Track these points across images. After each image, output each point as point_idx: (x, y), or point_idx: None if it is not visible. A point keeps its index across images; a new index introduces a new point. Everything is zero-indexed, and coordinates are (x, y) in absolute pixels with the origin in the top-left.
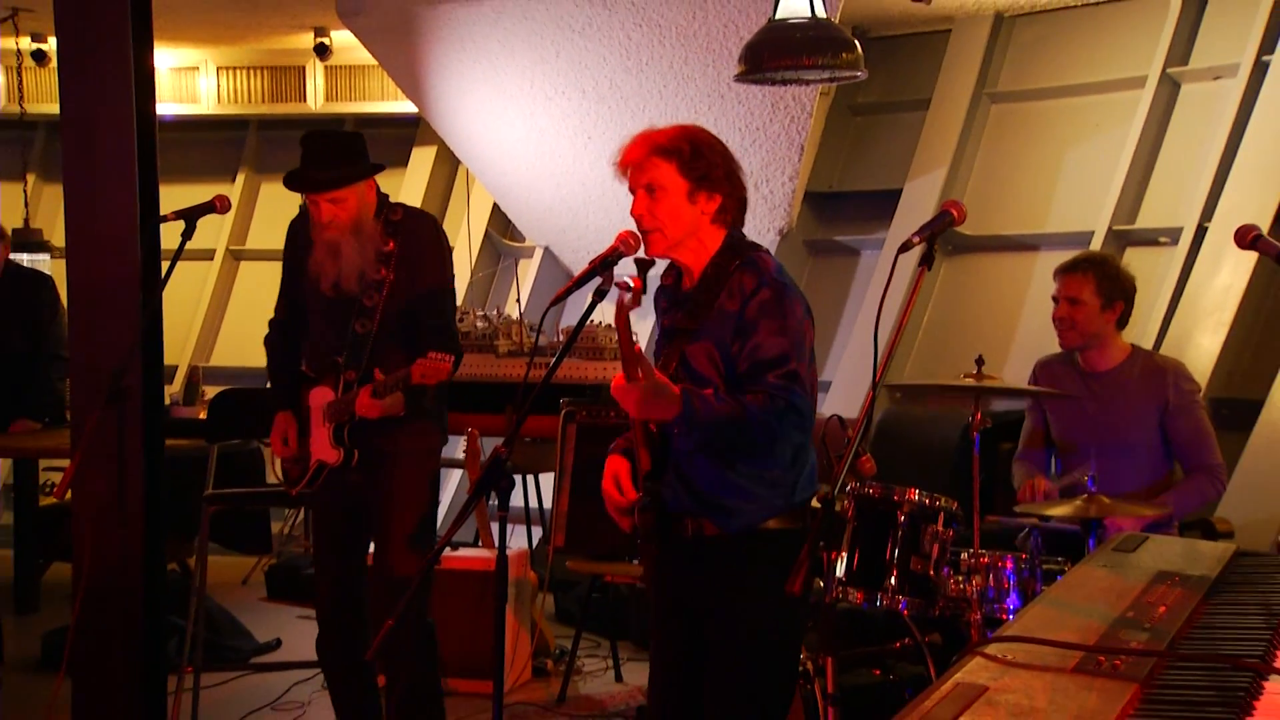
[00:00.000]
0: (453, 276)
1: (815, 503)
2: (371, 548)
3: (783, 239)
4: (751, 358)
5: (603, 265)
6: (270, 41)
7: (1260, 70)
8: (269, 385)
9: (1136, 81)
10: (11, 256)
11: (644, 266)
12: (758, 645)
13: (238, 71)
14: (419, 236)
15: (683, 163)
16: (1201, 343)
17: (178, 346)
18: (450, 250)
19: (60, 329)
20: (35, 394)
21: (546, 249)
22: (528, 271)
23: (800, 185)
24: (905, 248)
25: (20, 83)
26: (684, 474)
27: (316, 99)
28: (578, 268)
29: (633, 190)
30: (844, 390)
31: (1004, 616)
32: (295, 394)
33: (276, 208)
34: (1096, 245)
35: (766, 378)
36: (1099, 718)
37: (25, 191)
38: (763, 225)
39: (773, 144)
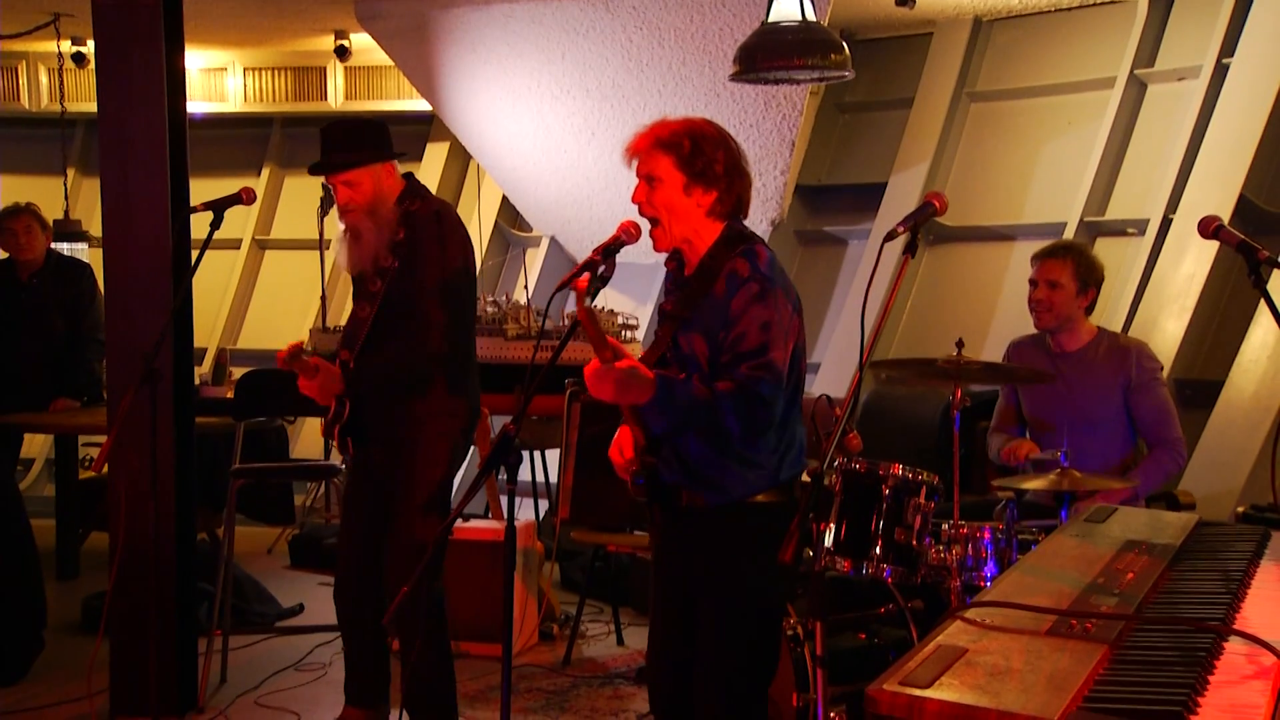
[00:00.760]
0: (457, 270)
1: (805, 477)
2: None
3: (775, 229)
4: (733, 348)
5: (606, 253)
6: (293, 44)
7: (1221, 72)
8: None
9: (1106, 82)
10: (53, 246)
11: (610, 251)
12: (743, 609)
13: (263, 72)
14: (419, 229)
15: (680, 158)
16: (1166, 327)
17: (207, 330)
18: (459, 244)
19: (98, 314)
20: (74, 375)
21: (552, 238)
22: (535, 259)
23: (791, 179)
24: (890, 237)
25: (61, 83)
26: (677, 449)
27: (337, 98)
28: (582, 256)
29: (638, 177)
30: (832, 371)
31: (982, 583)
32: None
33: (299, 200)
34: (1069, 235)
35: (741, 368)
36: (1071, 677)
37: (65, 185)
38: (756, 216)
39: (765, 140)
